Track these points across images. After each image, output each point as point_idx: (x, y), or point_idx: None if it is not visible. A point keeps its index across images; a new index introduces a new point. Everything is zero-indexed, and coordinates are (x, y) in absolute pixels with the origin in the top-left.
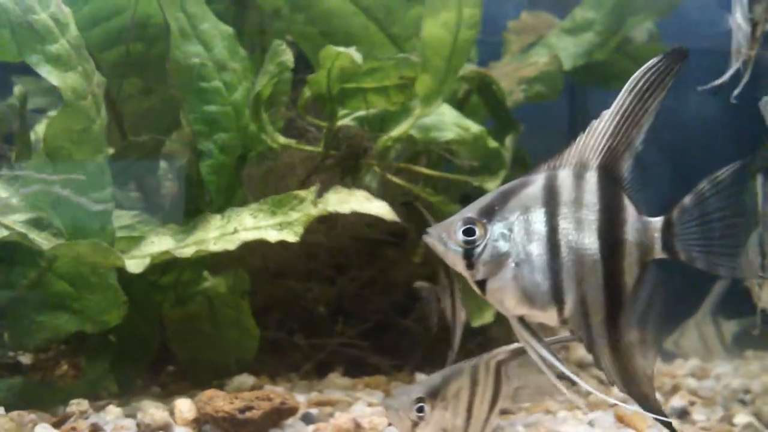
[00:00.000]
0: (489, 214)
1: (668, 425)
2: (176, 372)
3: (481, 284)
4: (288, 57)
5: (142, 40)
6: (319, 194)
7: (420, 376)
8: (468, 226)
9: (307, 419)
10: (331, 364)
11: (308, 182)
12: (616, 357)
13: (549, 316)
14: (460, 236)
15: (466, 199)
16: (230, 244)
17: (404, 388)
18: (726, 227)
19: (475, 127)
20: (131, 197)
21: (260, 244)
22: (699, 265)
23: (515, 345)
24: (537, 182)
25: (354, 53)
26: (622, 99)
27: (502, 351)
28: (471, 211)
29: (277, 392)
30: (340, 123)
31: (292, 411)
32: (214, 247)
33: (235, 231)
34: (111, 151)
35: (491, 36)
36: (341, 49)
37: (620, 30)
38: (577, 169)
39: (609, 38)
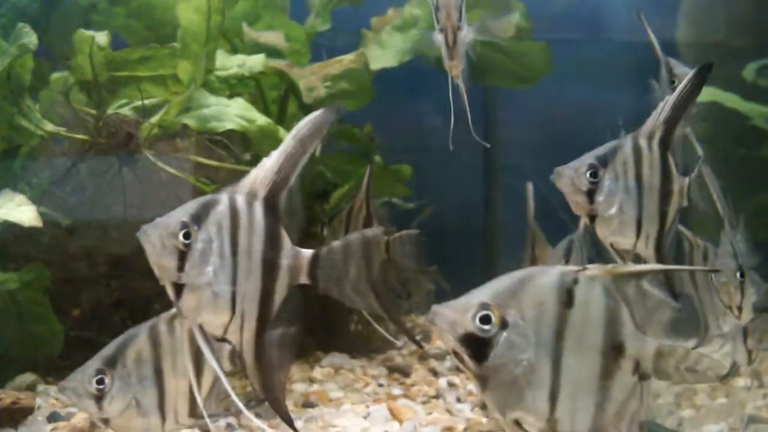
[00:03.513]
0: (197, 220)
1: (291, 425)
2: None
3: (179, 288)
4: (31, 39)
5: None
6: None
7: None
8: (186, 230)
9: (53, 418)
10: None
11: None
12: (259, 367)
13: (220, 326)
14: (180, 238)
15: None
16: None
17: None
18: (360, 271)
19: (261, 119)
20: None
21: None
22: (333, 295)
23: None
24: (224, 201)
25: (101, 38)
26: (287, 142)
27: None
28: (183, 215)
29: (10, 393)
30: (112, 111)
31: (25, 411)
32: None
33: None
34: None
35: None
36: (92, 33)
37: None
38: (249, 197)
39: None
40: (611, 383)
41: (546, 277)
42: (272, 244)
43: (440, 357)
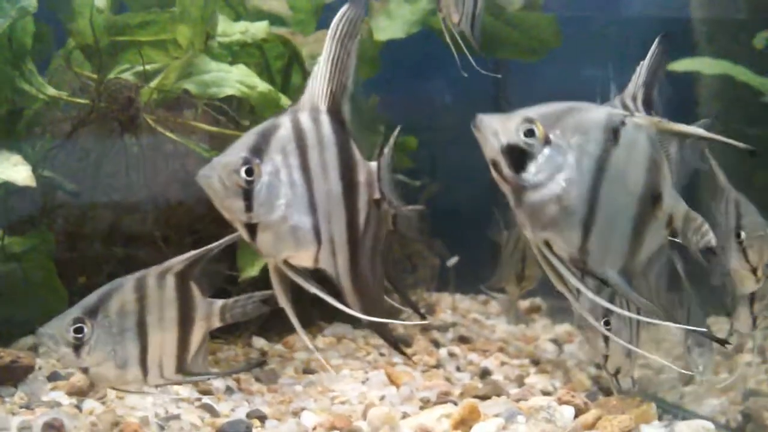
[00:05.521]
0: (259, 153)
1: (396, 347)
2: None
3: (252, 228)
4: (30, 2)
5: None
6: None
7: (258, 341)
8: (248, 166)
9: (53, 377)
10: None
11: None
12: (357, 289)
13: (308, 257)
14: (243, 175)
15: None
16: None
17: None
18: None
19: (262, 86)
20: None
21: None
22: (393, 205)
23: (190, 254)
24: (286, 124)
25: (101, 2)
26: (329, 47)
27: (176, 261)
28: (243, 150)
29: (10, 351)
30: (113, 76)
31: (25, 369)
32: None
33: None
34: None
35: None
36: None
37: None
38: (313, 112)
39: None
40: (646, 230)
41: (595, 111)
42: (347, 159)
43: (442, 329)
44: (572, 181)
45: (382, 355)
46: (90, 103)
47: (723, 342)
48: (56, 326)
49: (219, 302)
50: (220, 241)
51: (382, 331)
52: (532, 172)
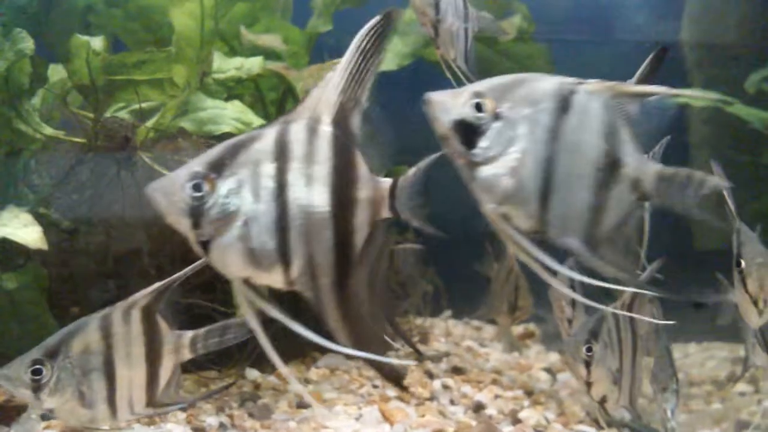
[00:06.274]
0: (218, 168)
1: (387, 377)
2: None
3: (206, 245)
4: (27, 44)
5: None
6: None
7: (252, 372)
8: (195, 181)
9: (46, 416)
10: None
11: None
12: (346, 317)
13: (274, 278)
14: (188, 192)
15: None
16: None
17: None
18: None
19: (257, 122)
20: None
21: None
22: (414, 225)
23: (154, 286)
24: (268, 136)
25: (97, 42)
26: (349, 57)
27: (140, 296)
28: (198, 165)
29: (2, 390)
30: (109, 115)
31: (18, 409)
32: None
33: None
34: None
35: None
36: (87, 37)
37: None
38: (310, 122)
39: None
40: (608, 196)
41: (544, 81)
42: (344, 174)
43: (436, 359)
44: (525, 153)
45: (375, 387)
46: (86, 141)
47: (699, 304)
48: (14, 368)
49: (189, 334)
50: (183, 272)
51: (373, 360)
52: (484, 146)
